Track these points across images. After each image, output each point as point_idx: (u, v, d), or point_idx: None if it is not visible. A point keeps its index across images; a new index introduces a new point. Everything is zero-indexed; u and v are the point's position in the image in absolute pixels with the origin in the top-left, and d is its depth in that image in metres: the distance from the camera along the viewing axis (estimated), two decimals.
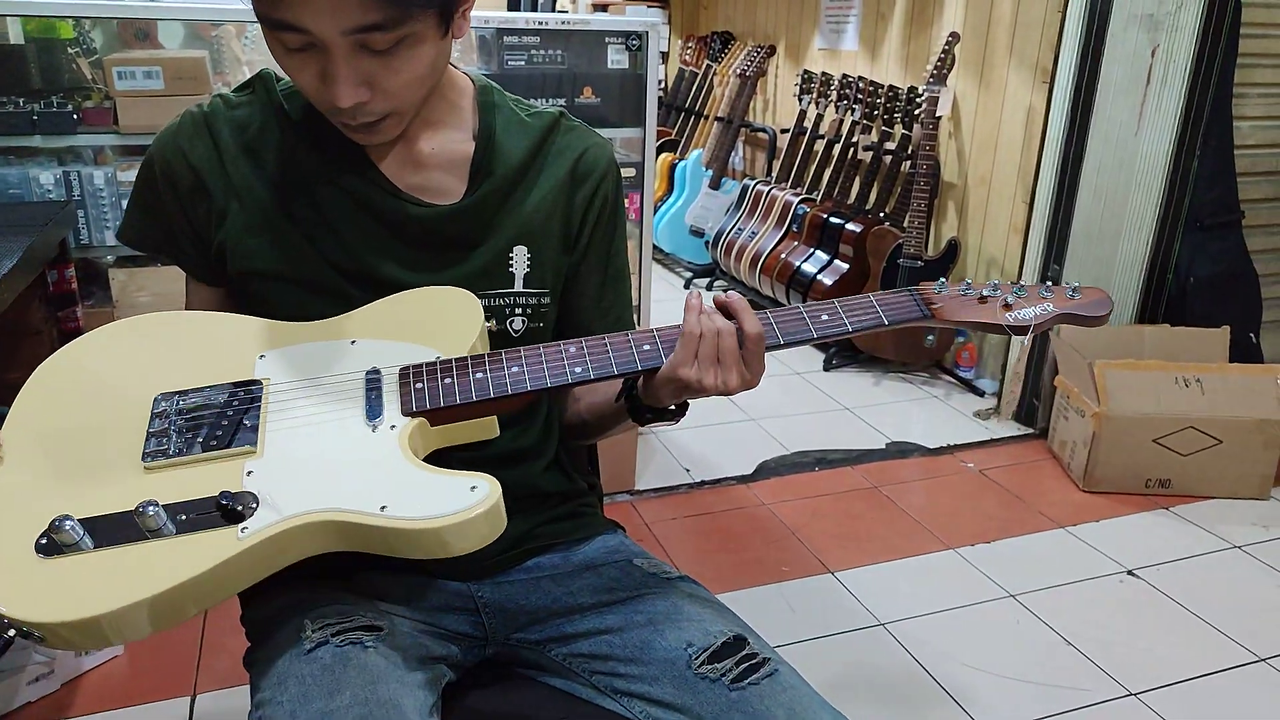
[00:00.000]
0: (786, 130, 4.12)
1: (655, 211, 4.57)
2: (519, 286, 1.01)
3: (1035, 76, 3.03)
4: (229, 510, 0.80)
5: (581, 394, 1.12)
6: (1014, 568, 2.24)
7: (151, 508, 0.79)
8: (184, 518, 0.81)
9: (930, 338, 3.29)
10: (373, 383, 0.90)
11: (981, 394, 3.28)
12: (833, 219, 3.55)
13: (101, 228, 2.08)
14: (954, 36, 3.21)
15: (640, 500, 2.51)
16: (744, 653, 0.93)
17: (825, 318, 0.93)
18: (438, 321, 0.94)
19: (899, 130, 3.52)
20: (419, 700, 0.85)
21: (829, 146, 3.83)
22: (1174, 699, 1.81)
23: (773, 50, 4.48)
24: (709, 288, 4.47)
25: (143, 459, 0.85)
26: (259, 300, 0.98)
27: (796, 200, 3.78)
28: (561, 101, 2.42)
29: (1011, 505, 2.55)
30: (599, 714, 0.98)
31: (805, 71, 3.98)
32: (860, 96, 3.65)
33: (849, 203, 3.67)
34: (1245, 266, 2.90)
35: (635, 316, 2.60)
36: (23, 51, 2.33)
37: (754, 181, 4.11)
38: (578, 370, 0.90)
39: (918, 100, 3.36)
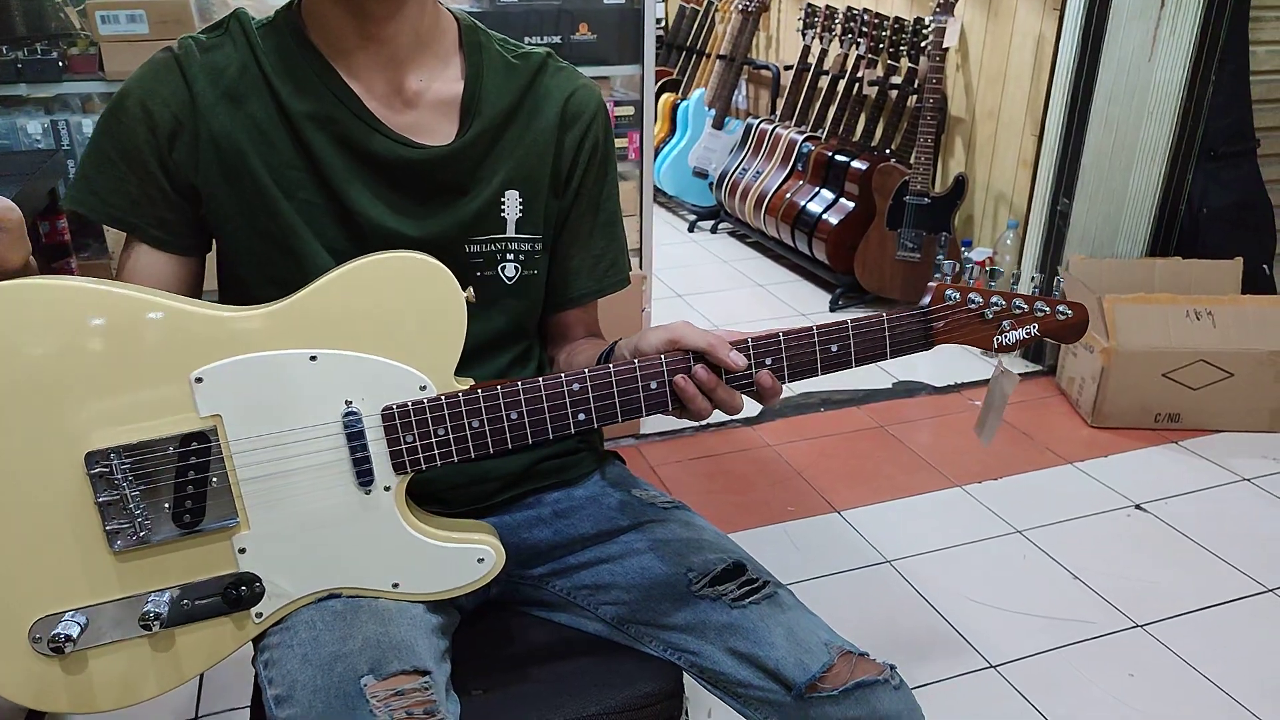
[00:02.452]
0: (790, 67, 4.03)
1: (658, 153, 4.50)
2: (511, 232, 0.99)
3: (1045, 3, 2.94)
4: (237, 598, 0.81)
5: (576, 354, 1.08)
6: (1021, 504, 2.23)
7: (155, 599, 0.79)
8: (188, 605, 0.80)
9: (937, 275, 3.25)
10: (354, 433, 0.81)
11: None
12: (838, 157, 3.49)
13: None
14: None
15: (646, 444, 2.51)
16: (744, 577, 0.95)
17: (834, 349, 0.90)
18: (413, 321, 0.82)
19: (905, 64, 3.43)
20: (432, 644, 0.86)
21: (834, 82, 3.74)
22: (1180, 629, 1.82)
23: None
24: (714, 230, 4.42)
25: (110, 544, 0.78)
26: (225, 256, 0.94)
27: (801, 138, 3.71)
28: (557, 39, 2.36)
29: (1019, 442, 2.53)
30: (602, 644, 1.00)
31: (809, 5, 3.87)
32: (865, 29, 3.56)
33: (854, 140, 3.60)
34: (1260, 196, 2.84)
35: (637, 261, 2.58)
36: None
37: (758, 120, 4.04)
38: (581, 417, 0.85)
39: (924, 32, 3.27)
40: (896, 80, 3.48)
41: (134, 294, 0.78)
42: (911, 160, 3.23)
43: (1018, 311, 0.94)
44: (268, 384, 0.80)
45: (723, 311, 3.46)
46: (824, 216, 3.47)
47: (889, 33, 3.46)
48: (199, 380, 0.78)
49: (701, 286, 3.72)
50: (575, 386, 0.85)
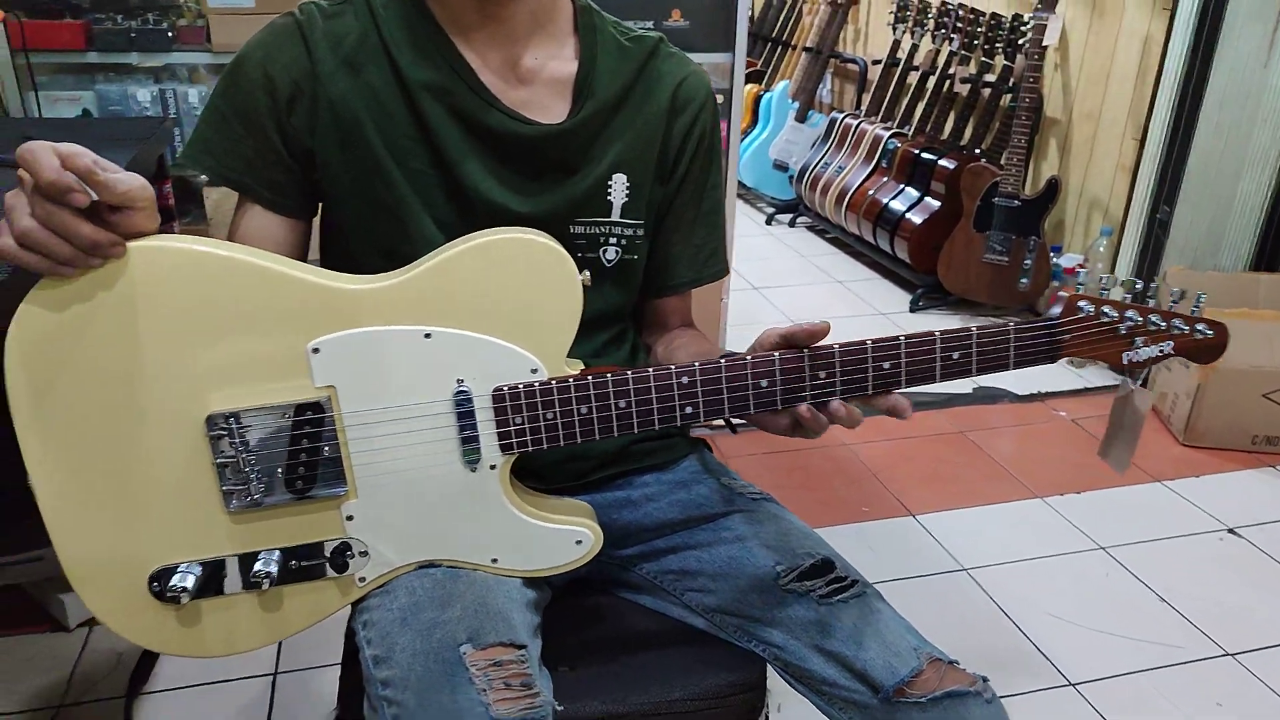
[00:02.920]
0: (878, 61, 3.95)
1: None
2: (616, 215, 0.98)
3: (1155, 3, 2.82)
4: (343, 562, 0.83)
5: (676, 349, 1.08)
6: (1105, 520, 2.16)
7: (266, 557, 0.81)
8: (296, 565, 0.83)
9: (1024, 280, 3.16)
10: (464, 411, 0.82)
11: None
12: (925, 154, 3.41)
13: None
14: None
15: (721, 435, 2.49)
16: (833, 575, 0.94)
17: (956, 356, 0.86)
18: (528, 303, 0.82)
19: (1000, 61, 3.34)
20: (527, 619, 0.86)
21: (923, 79, 3.66)
22: (1274, 661, 1.74)
23: None
24: (791, 224, 4.37)
25: (226, 504, 0.80)
26: (333, 222, 0.95)
27: (887, 134, 3.64)
28: (649, 24, 2.34)
29: None
30: (687, 631, 1.00)
31: None
32: (959, 25, 3.47)
33: (942, 138, 3.51)
34: None
35: None
36: None
37: (843, 115, 3.97)
38: (688, 410, 0.85)
39: (1022, 29, 3.17)
40: (990, 78, 3.39)
41: (258, 261, 0.79)
42: (1002, 161, 3.14)
43: (1154, 328, 0.89)
44: (382, 359, 0.80)
45: (799, 307, 3.42)
46: (907, 215, 3.40)
47: (984, 29, 3.37)
48: (315, 351, 0.79)
49: (778, 280, 3.68)
50: (685, 380, 0.84)
